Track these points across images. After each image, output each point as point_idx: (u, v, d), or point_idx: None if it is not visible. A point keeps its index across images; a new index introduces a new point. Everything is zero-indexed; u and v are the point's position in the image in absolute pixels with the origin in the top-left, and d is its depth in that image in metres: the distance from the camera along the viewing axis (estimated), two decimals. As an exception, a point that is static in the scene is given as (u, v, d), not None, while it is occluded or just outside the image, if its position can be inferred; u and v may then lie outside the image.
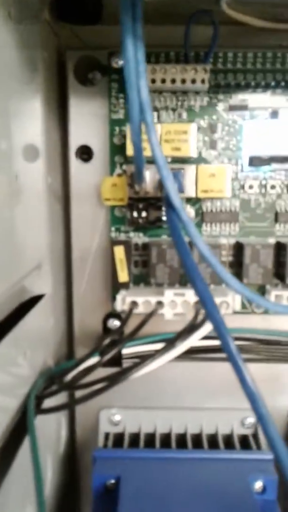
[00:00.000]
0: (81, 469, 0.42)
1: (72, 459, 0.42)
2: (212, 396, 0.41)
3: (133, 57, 0.25)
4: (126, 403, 0.41)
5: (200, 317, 0.33)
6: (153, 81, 0.34)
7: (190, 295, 0.34)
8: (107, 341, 0.34)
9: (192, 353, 0.38)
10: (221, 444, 0.39)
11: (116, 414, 0.41)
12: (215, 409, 0.41)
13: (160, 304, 0.34)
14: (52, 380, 0.35)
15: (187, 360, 0.38)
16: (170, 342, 0.31)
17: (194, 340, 0.32)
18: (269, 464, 0.36)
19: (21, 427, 0.28)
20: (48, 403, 0.33)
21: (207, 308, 0.24)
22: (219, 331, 0.24)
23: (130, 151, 0.34)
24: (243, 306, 0.38)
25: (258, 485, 0.34)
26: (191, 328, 0.32)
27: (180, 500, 0.33)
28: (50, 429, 0.37)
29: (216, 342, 0.39)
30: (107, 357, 0.32)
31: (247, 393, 0.23)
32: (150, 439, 0.40)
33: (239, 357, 0.24)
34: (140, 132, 0.26)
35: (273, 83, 0.35)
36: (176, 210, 0.26)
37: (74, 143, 0.37)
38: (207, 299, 0.24)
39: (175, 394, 0.41)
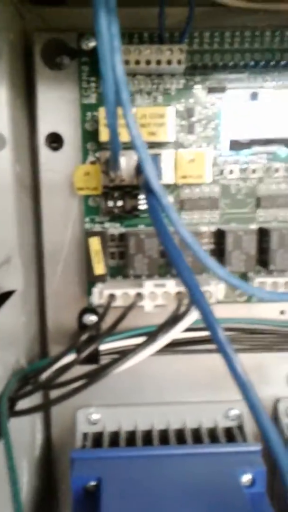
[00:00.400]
0: (58, 473, 0.40)
1: (49, 463, 0.40)
2: (194, 389, 0.40)
3: (106, 31, 0.23)
4: (104, 401, 0.39)
5: (183, 308, 0.31)
6: (127, 62, 0.32)
7: (171, 286, 0.33)
8: (84, 337, 0.32)
9: (172, 346, 0.37)
10: (205, 438, 0.38)
11: (94, 413, 0.39)
12: (198, 403, 0.40)
13: (139, 296, 0.33)
14: (25, 380, 0.33)
15: (167, 353, 0.37)
16: (153, 334, 0.30)
17: (178, 331, 0.30)
18: (256, 456, 0.35)
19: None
20: (22, 404, 0.31)
21: (194, 297, 0.23)
22: (208, 320, 0.22)
23: (103, 136, 0.32)
24: (226, 295, 0.37)
25: (247, 478, 0.33)
26: (174, 319, 0.30)
27: (166, 499, 0.31)
28: (24, 432, 0.35)
29: (196, 334, 0.37)
30: (85, 353, 0.30)
31: (238, 383, 0.22)
32: (131, 437, 0.39)
33: (229, 347, 0.23)
34: (116, 113, 0.24)
35: (252, 63, 0.34)
36: (156, 195, 0.24)
37: (43, 130, 0.35)
38: (194, 287, 0.23)
39: (155, 389, 0.40)
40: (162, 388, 0.40)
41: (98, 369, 0.29)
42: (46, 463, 0.40)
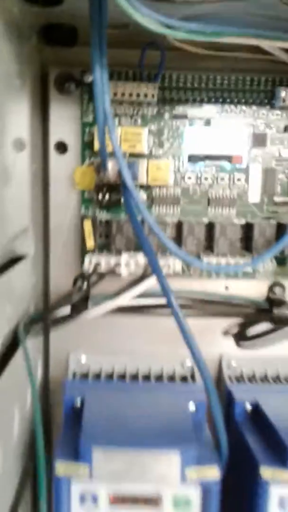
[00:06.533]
0: (54, 402, 0.50)
1: (46, 394, 0.52)
2: (159, 345, 0.50)
3: (100, 79, 0.34)
4: (90, 349, 0.50)
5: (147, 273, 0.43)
6: (115, 94, 0.44)
7: (141, 258, 0.45)
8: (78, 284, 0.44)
9: (143, 309, 0.48)
10: (166, 381, 0.48)
11: (82, 357, 0.50)
12: (161, 354, 0.50)
13: (118, 264, 0.45)
14: (31, 323, 0.45)
15: (140, 315, 0.48)
16: (124, 288, 0.42)
17: (143, 288, 0.42)
18: (201, 393, 0.44)
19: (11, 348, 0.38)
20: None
21: (152, 266, 0.35)
22: (163, 286, 0.34)
23: (97, 146, 0.44)
24: (183, 270, 0.49)
25: (191, 407, 0.44)
26: (141, 278, 0.42)
27: (134, 415, 0.42)
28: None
29: (161, 301, 0.49)
30: (77, 297, 0.42)
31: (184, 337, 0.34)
32: (109, 377, 0.49)
33: (178, 310, 0.34)
34: (104, 132, 0.36)
35: (206, 99, 0.46)
36: (129, 189, 0.36)
37: (53, 139, 0.47)
38: (153, 260, 0.35)
39: (130, 343, 0.50)
40: (134, 342, 0.50)
41: (82, 308, 0.41)
42: (44, 394, 0.51)
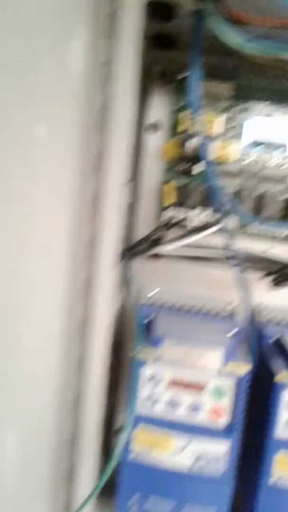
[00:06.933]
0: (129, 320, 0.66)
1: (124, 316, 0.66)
2: (210, 288, 0.61)
3: (194, 78, 0.48)
4: (159, 286, 0.64)
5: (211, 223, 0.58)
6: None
7: (204, 214, 0.60)
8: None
9: (202, 259, 0.63)
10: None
11: (150, 291, 0.65)
12: (212, 297, 0.60)
13: (188, 217, 0.60)
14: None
15: (199, 264, 0.62)
16: (193, 230, 0.57)
17: (204, 234, 0.57)
18: (239, 325, 0.59)
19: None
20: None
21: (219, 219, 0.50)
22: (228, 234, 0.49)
23: (180, 128, 0.59)
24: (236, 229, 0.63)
25: (233, 332, 0.58)
26: (202, 228, 0.57)
27: (189, 328, 0.56)
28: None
29: (216, 253, 0.63)
30: (155, 235, 0.57)
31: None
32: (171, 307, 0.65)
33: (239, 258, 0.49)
34: (193, 117, 0.51)
35: (268, 98, 0.59)
36: (206, 160, 0.51)
37: (150, 120, 0.62)
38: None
39: (188, 286, 0.60)
40: (190, 284, 0.61)
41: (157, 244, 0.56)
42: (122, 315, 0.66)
